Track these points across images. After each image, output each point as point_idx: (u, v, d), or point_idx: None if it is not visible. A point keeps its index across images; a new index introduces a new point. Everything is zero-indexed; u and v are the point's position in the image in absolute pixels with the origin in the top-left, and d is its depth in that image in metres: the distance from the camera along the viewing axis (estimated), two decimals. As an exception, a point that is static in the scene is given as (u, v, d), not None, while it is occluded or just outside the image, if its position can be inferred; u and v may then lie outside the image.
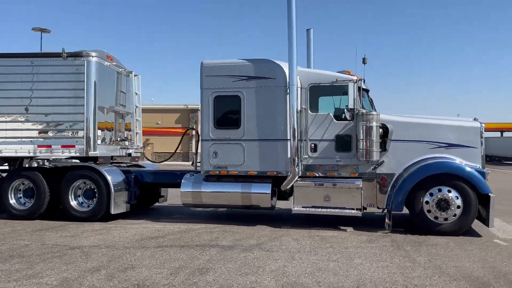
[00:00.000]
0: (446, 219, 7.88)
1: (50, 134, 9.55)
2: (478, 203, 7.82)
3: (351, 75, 8.77)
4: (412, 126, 8.64)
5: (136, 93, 11.52)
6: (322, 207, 8.43)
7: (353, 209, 8.27)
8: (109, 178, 9.28)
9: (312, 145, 8.64)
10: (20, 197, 9.66)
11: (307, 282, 5.01)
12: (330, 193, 8.41)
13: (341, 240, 7.30)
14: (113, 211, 9.25)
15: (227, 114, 9.05)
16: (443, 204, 7.92)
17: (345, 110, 8.53)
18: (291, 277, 5.21)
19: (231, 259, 6.02)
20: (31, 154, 9.59)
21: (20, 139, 9.51)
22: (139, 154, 11.54)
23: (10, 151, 9.53)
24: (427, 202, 7.98)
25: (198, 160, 9.50)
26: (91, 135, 9.49)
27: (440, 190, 7.96)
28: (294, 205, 8.53)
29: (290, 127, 8.52)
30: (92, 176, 9.37)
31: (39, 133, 9.55)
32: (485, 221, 7.84)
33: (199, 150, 9.60)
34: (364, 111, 8.45)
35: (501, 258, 6.18)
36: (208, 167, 8.96)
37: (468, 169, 8.01)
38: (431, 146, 8.46)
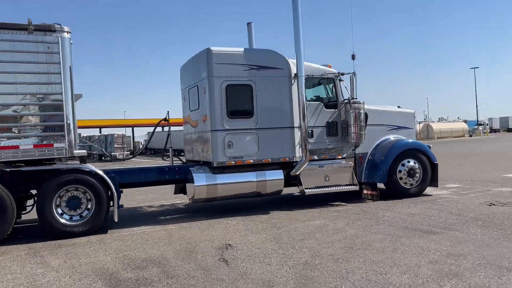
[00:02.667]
0: (411, 184, 9.74)
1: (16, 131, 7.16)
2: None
3: (331, 68, 9.75)
4: (378, 113, 10.23)
5: None
6: (325, 186, 9.28)
7: (350, 184, 9.47)
8: (109, 181, 7.59)
9: (310, 131, 9.17)
10: None
11: None
12: (328, 173, 9.33)
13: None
14: (116, 218, 7.69)
15: (240, 103, 8.82)
16: (411, 173, 9.75)
17: (340, 100, 9.63)
18: None
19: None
20: None
21: None
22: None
23: None
24: (400, 171, 9.69)
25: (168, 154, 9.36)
26: (72, 131, 7.45)
27: (408, 162, 9.76)
28: (304, 187, 9.04)
29: (300, 115, 8.92)
30: (87, 180, 7.48)
31: None
32: (432, 182, 9.93)
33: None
34: (359, 100, 9.49)
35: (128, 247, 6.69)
36: (223, 158, 8.59)
37: (425, 145, 10.29)
38: (388, 128, 10.31)
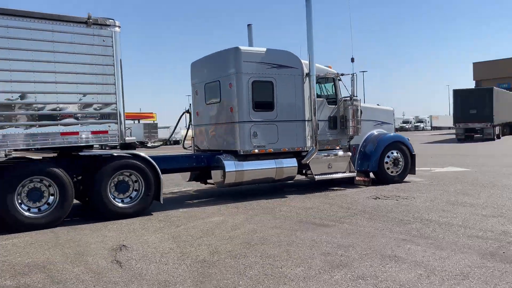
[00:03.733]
0: (393, 172, 11.20)
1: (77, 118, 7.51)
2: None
3: (331, 69, 10.89)
4: (368, 110, 11.46)
5: None
6: (328, 173, 10.34)
7: (348, 171, 10.61)
8: (157, 166, 8.18)
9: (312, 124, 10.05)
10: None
11: None
12: (331, 162, 10.41)
13: None
14: (162, 200, 8.35)
15: (263, 98, 9.64)
16: (396, 162, 11.22)
17: (339, 97, 10.82)
18: None
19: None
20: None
21: (33, 127, 7.13)
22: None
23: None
24: (386, 162, 11.12)
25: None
26: (123, 119, 7.98)
27: (392, 153, 11.21)
28: (314, 174, 10.09)
29: (311, 110, 9.91)
30: (138, 166, 8.00)
31: (61, 117, 7.37)
32: (411, 170, 11.43)
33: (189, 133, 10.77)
34: (356, 97, 10.73)
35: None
36: (249, 147, 9.45)
37: (406, 138, 11.87)
38: (374, 123, 11.71)
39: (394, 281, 4.38)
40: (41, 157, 8.02)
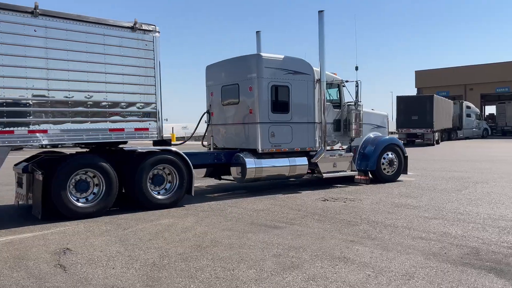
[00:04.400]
0: (388, 171, 12.11)
1: (122, 116, 8.15)
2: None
3: (336, 75, 11.70)
4: (366, 114, 12.12)
5: None
6: (334, 172, 11.19)
7: (350, 170, 11.52)
8: (189, 161, 8.88)
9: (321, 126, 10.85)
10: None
11: None
12: (336, 161, 11.23)
13: None
14: (193, 193, 9.08)
15: (280, 101, 10.40)
16: (391, 163, 12.15)
17: (343, 102, 11.71)
18: None
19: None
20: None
21: (87, 123, 7.75)
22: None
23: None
24: (383, 163, 12.02)
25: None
26: (161, 118, 8.67)
27: (388, 154, 12.11)
28: (322, 172, 10.92)
29: (321, 113, 10.74)
30: (173, 160, 8.69)
31: (110, 115, 7.98)
32: (404, 171, 12.43)
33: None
34: (360, 103, 11.62)
35: None
36: (267, 146, 10.22)
37: (400, 141, 13.09)
38: (371, 127, 12.58)
39: (344, 282, 4.46)
40: (74, 152, 8.47)
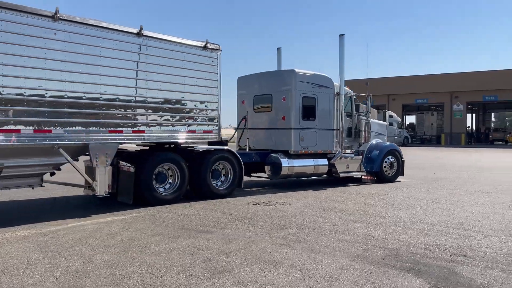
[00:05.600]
0: (389, 173, 13.82)
1: (194, 120, 9.88)
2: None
3: (350, 89, 13.58)
4: (372, 123, 14.21)
5: None
6: (347, 172, 12.82)
7: (360, 171, 13.21)
8: (241, 159, 10.55)
9: (338, 132, 12.71)
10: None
11: None
12: (348, 163, 12.83)
13: None
14: (243, 186, 10.70)
15: (308, 110, 12.14)
16: (391, 165, 13.88)
17: (354, 112, 13.60)
18: None
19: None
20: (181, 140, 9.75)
21: (171, 125, 9.47)
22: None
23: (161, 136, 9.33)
24: (385, 166, 13.67)
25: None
26: (221, 122, 10.39)
27: (389, 158, 13.84)
28: (339, 172, 12.59)
29: (340, 121, 12.70)
30: (229, 158, 10.32)
31: (186, 119, 9.69)
32: (401, 173, 14.21)
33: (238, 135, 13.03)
34: (369, 113, 14.05)
35: None
36: (298, 148, 11.94)
37: (398, 147, 14.58)
38: (374, 134, 14.46)
39: (273, 285, 4.51)
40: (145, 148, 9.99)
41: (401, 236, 6.68)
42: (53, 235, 6.50)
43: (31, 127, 7.29)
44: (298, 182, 13.57)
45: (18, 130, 7.12)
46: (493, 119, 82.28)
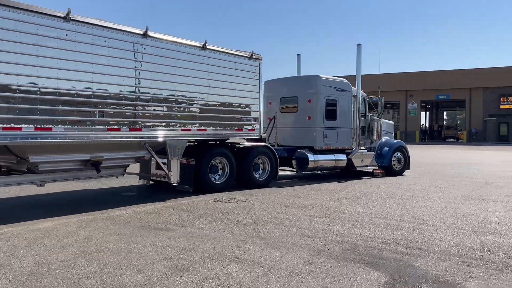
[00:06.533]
0: (397, 167, 15.17)
1: (242, 120, 11.46)
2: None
3: (363, 92, 14.87)
4: (383, 122, 15.87)
5: None
6: (362, 166, 14.44)
7: (372, 165, 14.80)
8: (277, 154, 12.12)
9: (355, 131, 14.37)
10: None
11: None
12: (363, 158, 14.43)
13: None
14: (277, 178, 12.24)
15: (330, 111, 13.68)
16: (399, 160, 15.32)
17: (367, 113, 15.26)
18: None
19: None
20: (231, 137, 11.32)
21: (225, 125, 10.98)
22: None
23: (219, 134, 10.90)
24: (393, 161, 15.13)
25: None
26: (262, 122, 12.15)
27: (397, 154, 15.27)
28: (355, 166, 14.12)
29: (357, 121, 14.31)
30: (267, 152, 11.88)
31: (236, 119, 11.24)
32: (407, 168, 15.62)
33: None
34: (382, 114, 15.83)
35: None
36: (322, 144, 13.48)
37: (405, 144, 15.93)
38: (383, 133, 15.94)
39: (235, 282, 4.51)
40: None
41: (359, 230, 6.84)
42: (5, 236, 6.23)
43: (127, 127, 8.77)
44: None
45: (119, 129, 8.61)
46: (445, 117, 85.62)
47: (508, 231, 6.86)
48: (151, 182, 11.77)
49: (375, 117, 15.39)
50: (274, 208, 8.61)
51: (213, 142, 11.17)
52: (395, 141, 15.96)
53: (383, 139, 15.79)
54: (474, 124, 52.68)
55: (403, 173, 15.33)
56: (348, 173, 14.65)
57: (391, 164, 15.10)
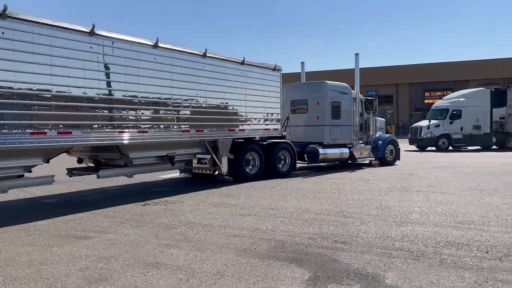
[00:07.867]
0: (390, 158, 17.46)
1: (268, 121, 13.80)
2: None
3: (360, 94, 17.20)
4: (376, 120, 18.47)
5: None
6: (361, 158, 16.69)
7: (369, 157, 17.05)
8: (295, 149, 14.42)
9: (355, 127, 16.58)
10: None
11: None
12: (361, 151, 16.68)
13: None
14: (296, 169, 14.75)
15: (335, 111, 15.89)
16: (391, 152, 17.55)
17: (364, 112, 17.60)
18: None
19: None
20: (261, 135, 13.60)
21: (257, 125, 13.38)
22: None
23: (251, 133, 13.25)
24: (386, 153, 17.35)
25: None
26: (281, 122, 14.48)
27: (389, 147, 17.49)
28: (356, 157, 16.41)
29: (356, 119, 16.60)
30: (288, 147, 14.18)
31: (264, 120, 13.63)
32: (398, 159, 17.84)
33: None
34: (377, 113, 18.37)
35: None
36: (329, 140, 15.67)
37: (395, 137, 18.30)
38: (377, 128, 18.37)
39: (154, 289, 4.29)
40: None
41: (287, 227, 6.84)
42: None
43: (194, 129, 11.16)
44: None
45: (188, 131, 11.01)
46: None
47: (426, 220, 7.17)
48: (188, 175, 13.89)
49: (371, 115, 17.75)
50: (204, 209, 8.42)
51: (241, 140, 12.95)
52: (387, 135, 18.16)
53: (377, 134, 18.11)
54: (401, 118, 55.36)
55: (395, 163, 17.59)
56: (348, 164, 16.96)
57: (384, 156, 17.26)
